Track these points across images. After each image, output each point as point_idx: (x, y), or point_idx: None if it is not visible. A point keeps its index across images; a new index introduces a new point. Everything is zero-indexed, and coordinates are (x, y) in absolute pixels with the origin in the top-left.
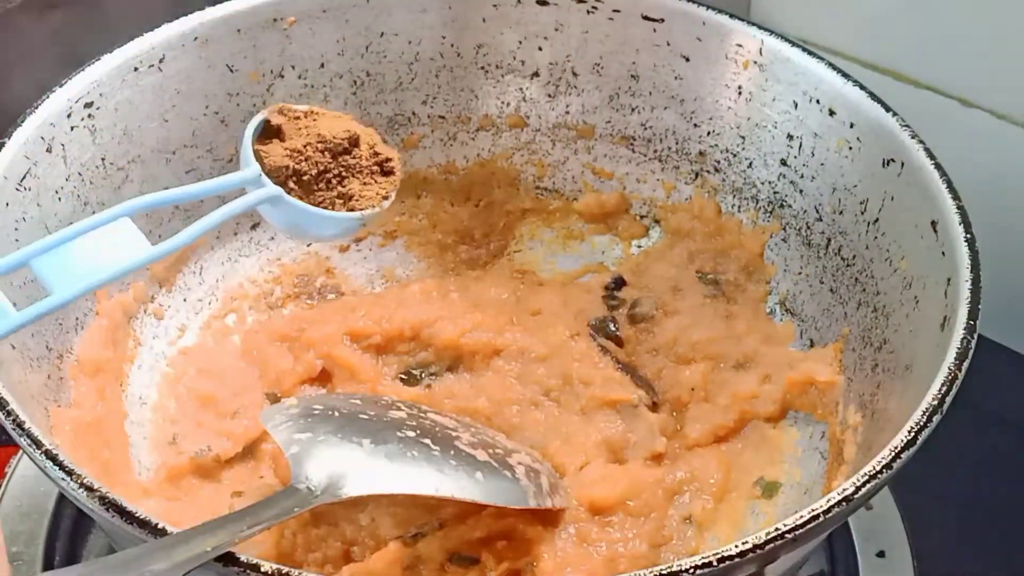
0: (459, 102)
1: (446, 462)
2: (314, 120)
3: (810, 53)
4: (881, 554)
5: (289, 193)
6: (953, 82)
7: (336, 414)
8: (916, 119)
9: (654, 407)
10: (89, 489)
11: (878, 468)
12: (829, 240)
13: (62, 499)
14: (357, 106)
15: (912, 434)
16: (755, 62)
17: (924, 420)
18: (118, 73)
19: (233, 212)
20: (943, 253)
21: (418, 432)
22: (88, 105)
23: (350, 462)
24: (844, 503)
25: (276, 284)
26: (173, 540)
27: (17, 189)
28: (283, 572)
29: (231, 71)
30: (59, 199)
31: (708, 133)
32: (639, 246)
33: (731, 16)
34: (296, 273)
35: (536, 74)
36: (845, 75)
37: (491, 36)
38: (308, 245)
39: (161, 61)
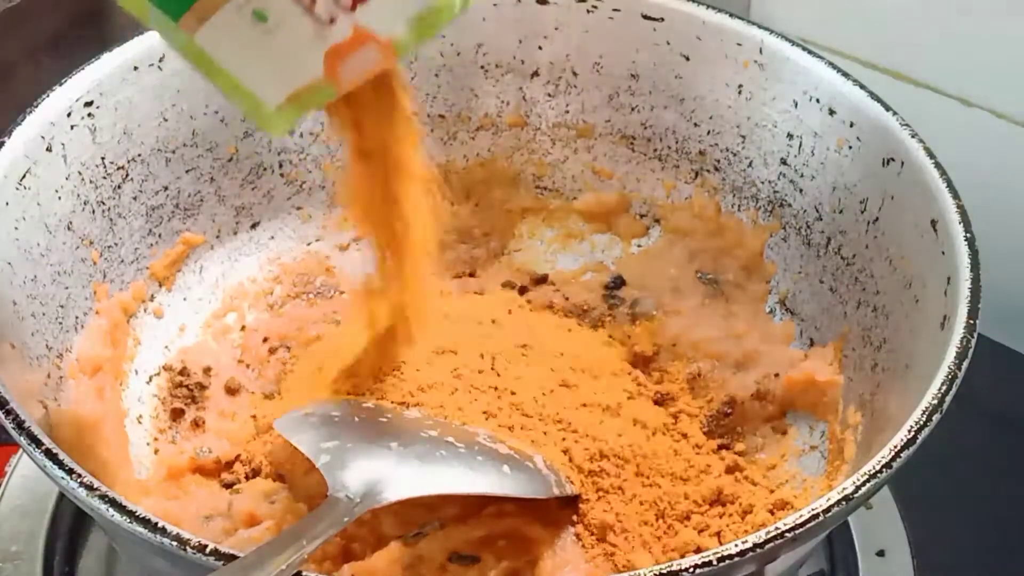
0: (459, 101)
1: (473, 458)
2: None
3: (810, 53)
4: (881, 553)
5: None
6: (953, 82)
7: (356, 419)
8: (916, 119)
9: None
10: (89, 488)
11: (878, 467)
12: (829, 239)
13: (62, 498)
14: None
15: (912, 433)
16: (755, 61)
17: (924, 419)
18: (118, 72)
19: None
20: (943, 252)
21: (439, 430)
22: (88, 104)
23: (384, 467)
24: (844, 502)
25: (276, 283)
26: (244, 564)
27: (17, 188)
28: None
29: None
30: (59, 198)
31: (708, 132)
32: (639, 245)
33: (731, 16)
34: (296, 272)
35: (536, 73)
36: (845, 75)
37: (491, 36)
38: (308, 244)
39: (161, 60)
